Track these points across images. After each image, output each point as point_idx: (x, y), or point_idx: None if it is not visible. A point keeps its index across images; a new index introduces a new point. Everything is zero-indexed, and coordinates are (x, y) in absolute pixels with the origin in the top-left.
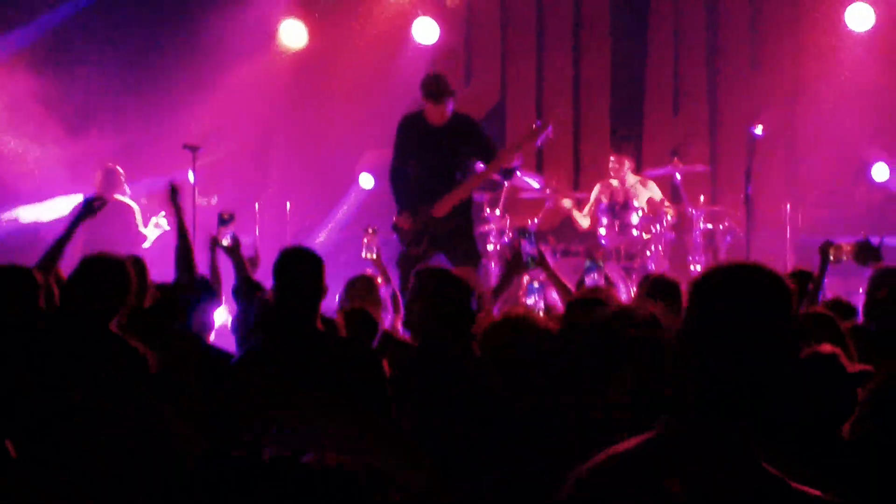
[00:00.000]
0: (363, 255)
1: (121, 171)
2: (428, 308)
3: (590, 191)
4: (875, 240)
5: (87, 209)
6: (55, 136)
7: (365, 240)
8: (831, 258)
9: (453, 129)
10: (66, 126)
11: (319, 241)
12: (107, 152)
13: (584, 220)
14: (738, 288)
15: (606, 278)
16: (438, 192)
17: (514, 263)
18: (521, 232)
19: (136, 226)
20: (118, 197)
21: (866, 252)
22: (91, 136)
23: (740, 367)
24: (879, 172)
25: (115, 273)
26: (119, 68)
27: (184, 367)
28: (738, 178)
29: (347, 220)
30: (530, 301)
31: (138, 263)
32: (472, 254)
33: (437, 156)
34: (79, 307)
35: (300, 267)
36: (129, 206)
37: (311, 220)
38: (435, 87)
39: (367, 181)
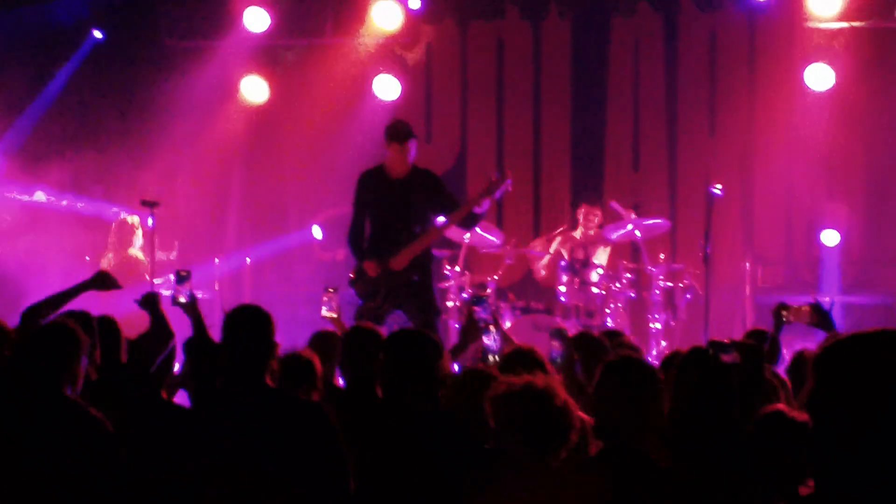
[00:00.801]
0: (323, 313)
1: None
2: (397, 367)
3: (549, 243)
4: (826, 303)
5: (99, 282)
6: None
7: (325, 298)
8: (785, 320)
9: (414, 182)
10: (23, 176)
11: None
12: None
13: (542, 268)
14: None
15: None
16: (397, 245)
17: (468, 330)
18: (475, 300)
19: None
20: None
21: (818, 315)
22: (48, 190)
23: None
24: (829, 238)
25: (61, 336)
26: (78, 120)
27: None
28: (697, 237)
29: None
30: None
31: (107, 322)
32: (429, 309)
33: (396, 208)
34: (27, 370)
35: (248, 325)
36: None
37: (270, 275)
38: (400, 129)
39: (317, 232)
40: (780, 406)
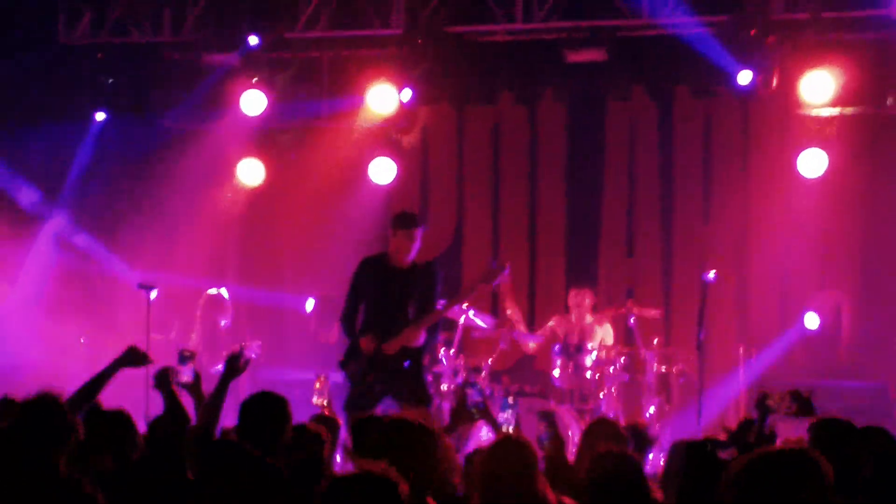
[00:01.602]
0: (314, 400)
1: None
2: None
3: (543, 328)
4: (805, 390)
5: (130, 359)
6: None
7: (317, 385)
8: (770, 409)
9: (414, 274)
10: None
11: None
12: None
13: (532, 343)
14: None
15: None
16: (390, 330)
17: (458, 413)
18: (467, 383)
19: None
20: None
21: (798, 404)
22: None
23: None
24: (811, 321)
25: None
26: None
27: None
28: (691, 321)
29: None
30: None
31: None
32: (421, 395)
33: (394, 297)
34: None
35: (266, 411)
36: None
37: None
38: (409, 217)
39: (310, 305)
40: None
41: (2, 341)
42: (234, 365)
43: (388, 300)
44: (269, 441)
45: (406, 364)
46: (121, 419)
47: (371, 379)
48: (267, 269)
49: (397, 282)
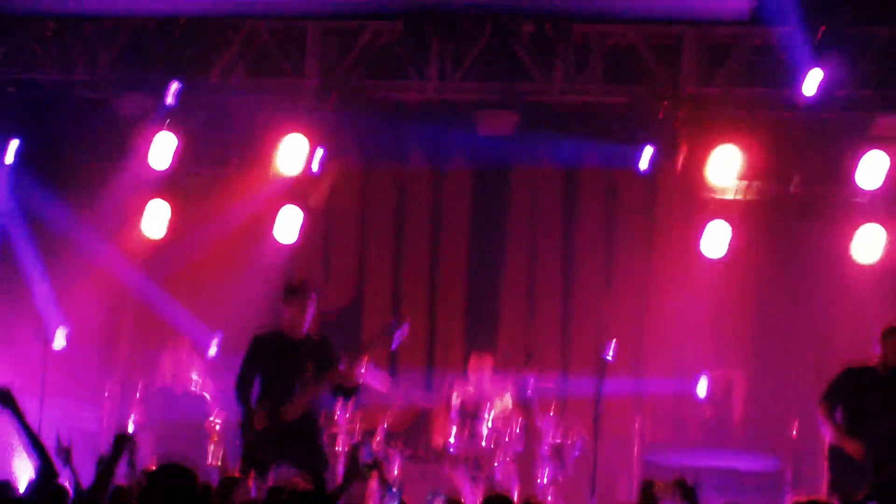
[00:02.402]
0: (208, 461)
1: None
2: None
3: (441, 391)
4: (690, 479)
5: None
6: None
7: (211, 447)
8: (656, 498)
9: (309, 347)
10: None
11: None
12: None
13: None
14: None
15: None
16: (288, 398)
17: (350, 471)
18: (359, 442)
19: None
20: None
21: (683, 492)
22: None
23: None
24: (700, 388)
25: None
26: None
27: None
28: (588, 390)
29: None
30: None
31: None
32: (318, 460)
33: (290, 369)
34: None
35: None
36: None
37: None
38: (299, 287)
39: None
40: None
41: None
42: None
43: (284, 371)
44: None
45: (301, 428)
46: None
47: (270, 445)
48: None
49: (293, 355)
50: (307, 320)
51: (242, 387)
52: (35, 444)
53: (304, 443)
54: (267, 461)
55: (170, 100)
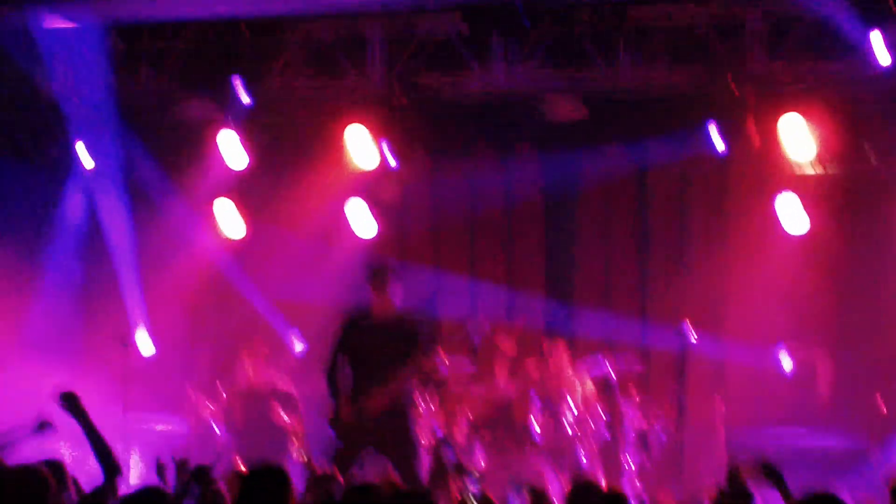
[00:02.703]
0: (295, 456)
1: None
2: None
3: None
4: (775, 460)
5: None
6: None
7: (295, 445)
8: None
9: (397, 328)
10: None
11: None
12: None
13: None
14: None
15: None
16: (373, 387)
17: (436, 474)
18: (442, 442)
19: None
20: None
21: (768, 474)
22: None
23: None
24: (785, 363)
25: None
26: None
27: None
28: (669, 376)
29: None
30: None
31: None
32: (409, 452)
33: (377, 353)
34: None
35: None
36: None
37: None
38: (377, 272)
39: (298, 346)
40: None
41: None
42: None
43: (371, 353)
44: None
45: (390, 420)
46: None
47: (358, 436)
48: (246, 323)
49: (380, 337)
50: (393, 301)
51: (332, 373)
52: (99, 446)
53: (394, 435)
54: (352, 456)
55: (243, 99)
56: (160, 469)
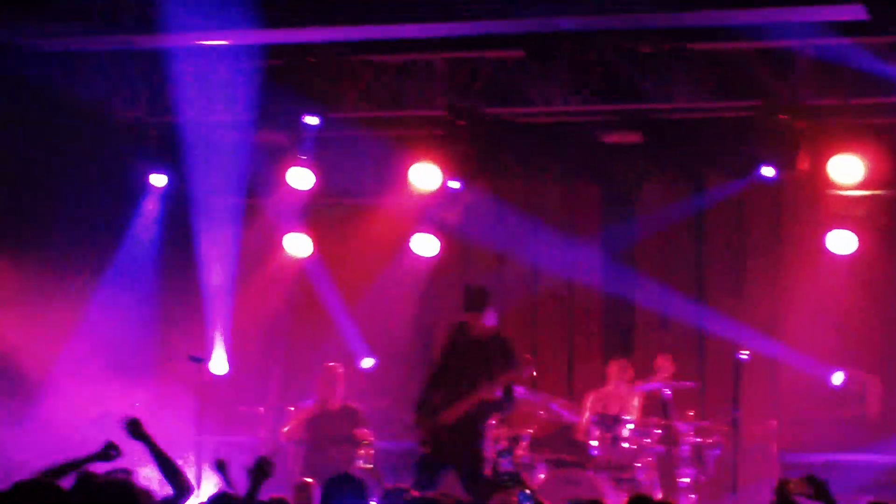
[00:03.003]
0: (360, 463)
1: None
2: None
3: (582, 399)
4: (822, 475)
5: (104, 456)
6: None
7: (361, 451)
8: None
9: (489, 346)
10: None
11: None
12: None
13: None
14: None
15: None
16: (456, 399)
17: (491, 482)
18: (501, 452)
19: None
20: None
21: (813, 487)
22: None
23: None
24: (836, 379)
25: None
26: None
27: None
28: (724, 394)
29: None
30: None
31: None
32: (475, 463)
33: (472, 367)
34: None
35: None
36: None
37: None
38: (477, 299)
39: (367, 362)
40: None
41: None
42: (107, 453)
43: (462, 366)
44: None
45: (462, 435)
46: None
47: (435, 445)
48: (313, 340)
49: (472, 350)
50: (489, 321)
51: (428, 388)
52: (168, 468)
53: (464, 444)
54: (435, 464)
55: (313, 122)
56: (220, 465)
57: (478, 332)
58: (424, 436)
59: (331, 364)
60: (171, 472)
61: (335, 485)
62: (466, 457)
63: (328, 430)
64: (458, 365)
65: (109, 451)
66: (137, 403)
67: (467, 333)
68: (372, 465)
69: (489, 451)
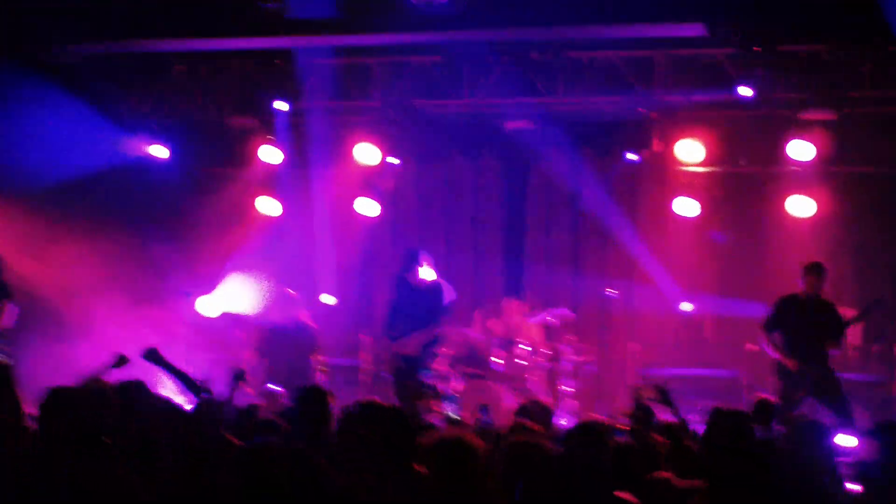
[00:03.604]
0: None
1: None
2: None
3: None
4: (663, 384)
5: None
6: None
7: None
8: (642, 398)
9: (819, 306)
10: None
11: None
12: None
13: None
14: None
15: None
16: (801, 349)
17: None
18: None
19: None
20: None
21: (660, 394)
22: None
23: None
24: (685, 306)
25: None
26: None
27: None
28: (597, 324)
29: None
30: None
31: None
32: (838, 395)
33: (801, 322)
34: None
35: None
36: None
37: None
38: (814, 267)
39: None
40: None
41: None
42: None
43: (800, 324)
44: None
45: (826, 371)
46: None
47: (805, 385)
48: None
49: (808, 311)
50: (819, 289)
51: (769, 336)
52: (185, 380)
53: (828, 384)
54: (796, 402)
55: (272, 119)
56: (238, 375)
57: (810, 296)
58: (793, 379)
59: (287, 290)
60: (188, 382)
61: (304, 394)
62: (832, 391)
63: (285, 344)
64: (798, 323)
65: (120, 361)
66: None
67: (798, 299)
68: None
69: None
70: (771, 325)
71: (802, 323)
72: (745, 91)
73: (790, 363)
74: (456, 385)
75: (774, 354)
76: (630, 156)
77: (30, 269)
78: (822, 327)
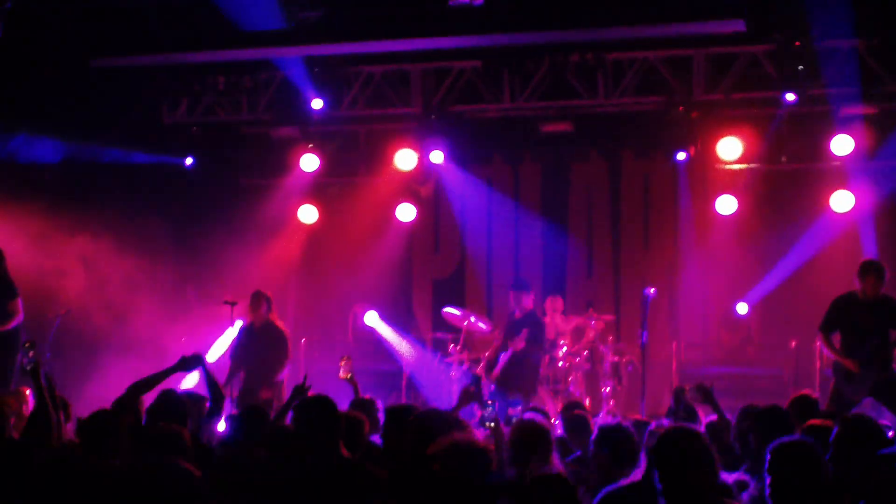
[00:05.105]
0: (340, 375)
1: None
2: None
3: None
4: (707, 383)
5: (182, 366)
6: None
7: (341, 364)
8: (684, 398)
9: (880, 306)
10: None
11: None
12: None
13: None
14: None
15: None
16: (857, 349)
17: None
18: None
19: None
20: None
21: (702, 394)
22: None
23: None
24: (741, 308)
25: None
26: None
27: None
28: (637, 326)
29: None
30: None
31: None
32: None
33: (861, 323)
34: None
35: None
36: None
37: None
38: (871, 267)
39: (371, 318)
40: None
41: None
42: (185, 363)
43: (857, 324)
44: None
45: (888, 374)
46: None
47: (862, 388)
48: (319, 288)
49: (865, 312)
50: (879, 288)
51: (824, 337)
52: (214, 388)
53: (886, 382)
54: (851, 403)
55: (312, 128)
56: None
57: (868, 297)
58: (852, 379)
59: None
60: (216, 390)
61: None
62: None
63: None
64: (856, 323)
65: (186, 364)
66: (184, 338)
67: (856, 299)
68: (350, 375)
69: (456, 371)
70: (829, 325)
71: (862, 323)
72: (790, 97)
73: (850, 364)
74: (492, 388)
75: (833, 356)
76: (680, 155)
77: (74, 283)
78: (883, 328)
